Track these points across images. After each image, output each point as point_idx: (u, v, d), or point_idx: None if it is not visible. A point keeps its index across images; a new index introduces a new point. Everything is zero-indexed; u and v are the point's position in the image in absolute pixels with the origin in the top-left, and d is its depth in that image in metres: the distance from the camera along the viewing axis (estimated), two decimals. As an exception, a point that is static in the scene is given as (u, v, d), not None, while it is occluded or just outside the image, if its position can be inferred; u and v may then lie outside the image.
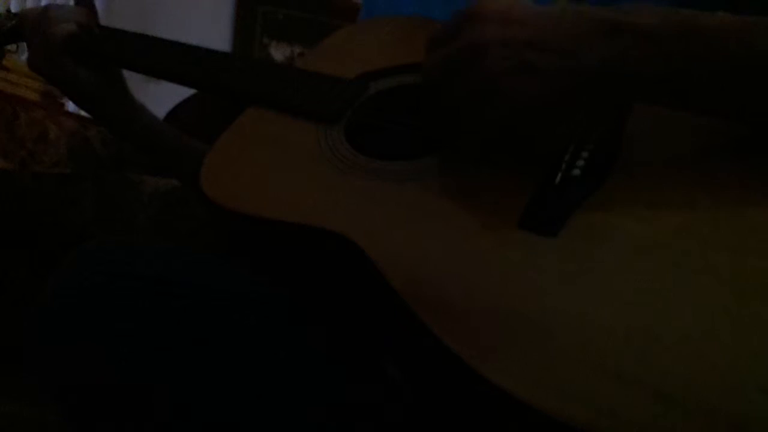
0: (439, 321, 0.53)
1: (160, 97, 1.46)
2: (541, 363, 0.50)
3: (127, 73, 0.97)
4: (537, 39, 0.57)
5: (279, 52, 3.67)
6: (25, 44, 0.97)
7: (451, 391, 0.56)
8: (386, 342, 0.65)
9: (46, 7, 0.95)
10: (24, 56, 0.98)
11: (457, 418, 0.57)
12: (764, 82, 0.54)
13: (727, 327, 0.50)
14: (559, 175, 0.61)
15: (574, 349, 0.50)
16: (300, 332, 0.67)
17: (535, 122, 0.59)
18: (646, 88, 0.57)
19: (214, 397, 0.64)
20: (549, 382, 0.49)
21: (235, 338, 0.65)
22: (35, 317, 0.66)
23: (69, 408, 0.67)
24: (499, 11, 0.59)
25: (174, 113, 1.88)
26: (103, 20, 0.98)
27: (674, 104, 0.58)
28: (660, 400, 0.47)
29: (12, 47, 1.02)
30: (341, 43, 0.88)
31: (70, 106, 2.51)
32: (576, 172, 0.60)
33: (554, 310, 0.53)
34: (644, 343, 0.50)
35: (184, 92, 1.66)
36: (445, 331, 0.53)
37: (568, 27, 0.57)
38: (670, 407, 0.46)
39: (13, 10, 1.09)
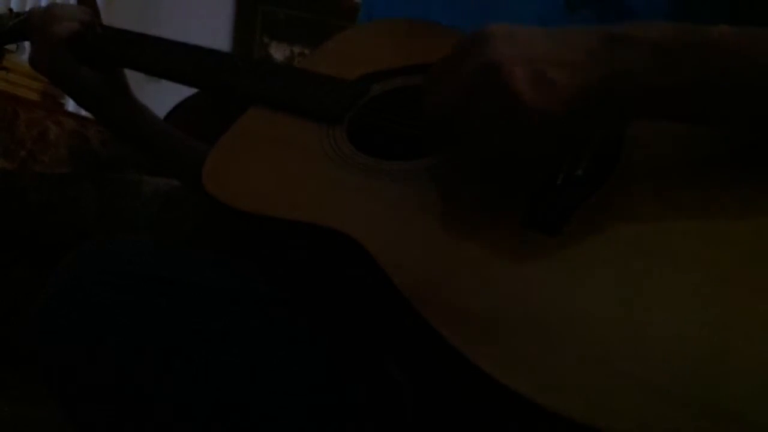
0: (441, 319, 0.53)
1: (160, 97, 1.46)
2: (543, 361, 0.51)
3: (127, 73, 0.97)
4: (547, 53, 0.57)
5: (279, 52, 3.67)
6: (25, 44, 0.97)
7: (453, 390, 0.56)
8: (388, 341, 0.65)
9: (49, 6, 0.95)
10: (24, 56, 0.98)
11: (459, 417, 0.57)
12: (763, 92, 0.54)
13: (727, 326, 0.50)
14: (562, 175, 0.61)
15: (576, 346, 0.51)
16: (300, 332, 0.67)
17: (551, 133, 0.59)
18: (654, 100, 0.57)
19: (214, 397, 0.63)
20: (551, 379, 0.50)
21: (236, 338, 0.65)
22: (35, 317, 0.66)
23: (69, 408, 0.67)
24: (505, 32, 0.58)
25: (174, 113, 1.88)
26: (104, 19, 0.98)
27: (678, 115, 0.58)
28: (659, 397, 0.47)
29: (12, 47, 1.02)
30: (343, 45, 0.88)
31: (70, 106, 2.51)
32: (578, 172, 0.60)
33: (556, 308, 0.53)
34: (644, 341, 0.50)
35: (184, 92, 1.66)
36: (447, 328, 0.53)
37: (576, 42, 0.57)
38: (669, 404, 0.47)
39: (15, 9, 1.09)
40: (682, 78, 0.55)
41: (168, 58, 0.89)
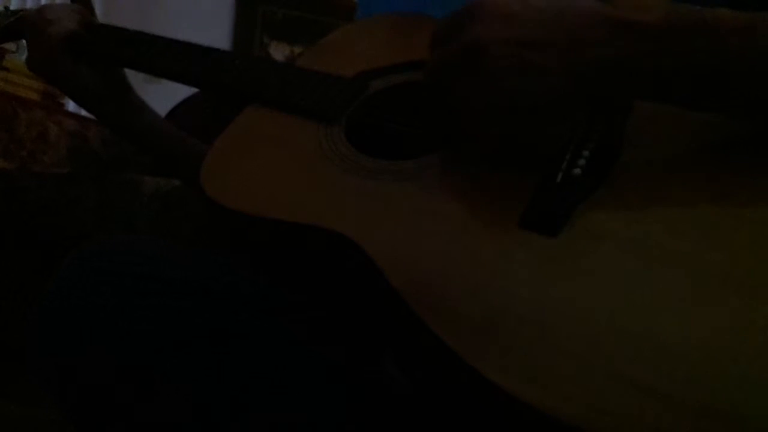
0: (438, 320, 0.53)
1: (160, 97, 1.46)
2: (539, 362, 0.50)
3: (127, 73, 0.96)
4: (538, 37, 0.57)
5: (279, 52, 3.68)
6: (24, 44, 0.97)
7: (450, 390, 0.56)
8: (386, 341, 0.65)
9: (42, 8, 0.95)
10: (24, 56, 0.98)
11: (456, 417, 0.57)
12: (766, 78, 0.54)
13: (727, 326, 0.50)
14: (560, 174, 0.60)
15: (573, 347, 0.50)
16: (299, 332, 0.67)
17: (535, 122, 0.59)
18: (650, 85, 0.57)
19: (214, 397, 0.63)
20: (547, 380, 0.49)
21: (235, 338, 0.65)
22: (35, 317, 0.66)
23: (70, 408, 0.67)
24: (499, 9, 0.58)
25: (174, 113, 1.88)
26: (103, 19, 0.98)
27: (676, 101, 0.58)
28: (658, 398, 0.47)
29: (11, 47, 1.02)
30: (340, 42, 0.88)
31: (70, 106, 2.51)
32: (577, 171, 0.60)
33: (553, 309, 0.53)
34: (643, 342, 0.50)
35: (184, 92, 1.66)
36: (444, 329, 0.52)
37: (570, 24, 0.57)
38: (669, 406, 0.46)
39: (12, 8, 1.09)
40: (684, 62, 0.55)
41: (165, 56, 0.89)
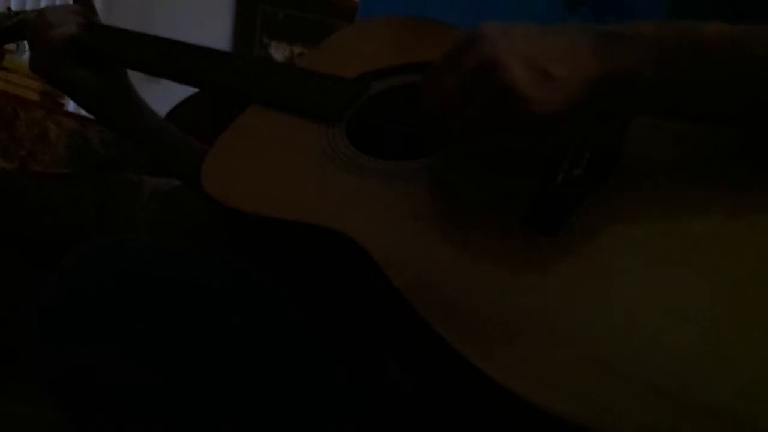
0: (440, 319, 0.53)
1: (160, 97, 1.46)
2: (542, 361, 0.51)
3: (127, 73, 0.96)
4: (548, 49, 0.57)
5: (279, 52, 3.68)
6: (25, 44, 0.97)
7: (452, 390, 0.56)
8: (387, 341, 0.65)
9: (44, 10, 0.95)
10: (24, 56, 0.98)
11: (458, 416, 0.57)
12: (760, 89, 0.54)
13: (727, 326, 0.50)
14: (561, 174, 0.60)
15: (575, 347, 0.51)
16: (300, 332, 0.67)
17: (553, 130, 0.58)
18: (647, 97, 0.57)
19: (214, 397, 0.64)
20: (550, 379, 0.49)
21: (235, 338, 0.65)
22: (35, 317, 0.66)
23: (69, 407, 0.67)
24: (499, 30, 0.58)
25: (174, 113, 1.88)
26: (104, 20, 0.98)
27: (677, 112, 0.58)
28: (661, 398, 0.47)
29: (12, 47, 1.02)
30: (341, 43, 0.88)
31: (70, 106, 2.52)
32: (578, 171, 0.60)
33: (554, 308, 0.53)
34: (644, 341, 0.50)
35: (184, 92, 1.66)
36: (446, 329, 0.53)
37: (574, 38, 0.57)
38: (670, 405, 0.47)
39: (14, 8, 1.09)
40: (680, 74, 0.55)
41: (166, 57, 0.89)
